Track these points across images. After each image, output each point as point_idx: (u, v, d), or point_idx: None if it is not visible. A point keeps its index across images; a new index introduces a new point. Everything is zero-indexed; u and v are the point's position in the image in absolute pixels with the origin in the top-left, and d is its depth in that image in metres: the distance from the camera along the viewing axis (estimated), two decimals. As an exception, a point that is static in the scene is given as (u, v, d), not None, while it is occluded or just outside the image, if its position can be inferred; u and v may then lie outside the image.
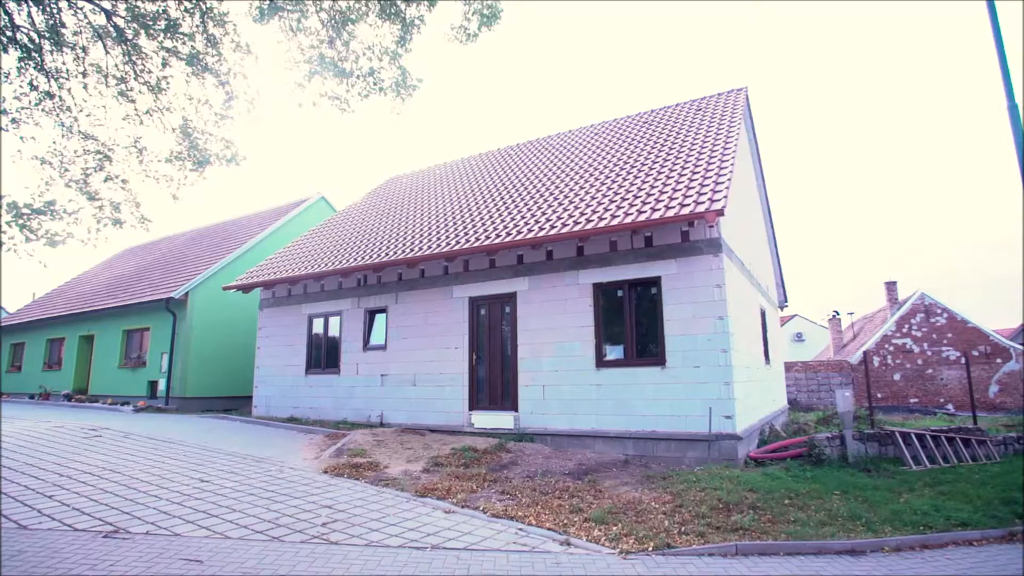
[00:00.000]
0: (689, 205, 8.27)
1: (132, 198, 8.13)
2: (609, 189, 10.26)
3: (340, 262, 12.20)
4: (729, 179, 8.78)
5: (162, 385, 16.19)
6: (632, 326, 9.12)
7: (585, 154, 13.15)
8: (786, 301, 18.36)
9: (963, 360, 22.86)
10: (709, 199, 8.21)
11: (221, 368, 16.46)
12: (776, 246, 16.91)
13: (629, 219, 8.60)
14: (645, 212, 8.63)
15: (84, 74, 7.71)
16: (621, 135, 13.59)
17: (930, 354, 23.18)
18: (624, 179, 10.51)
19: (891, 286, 25.35)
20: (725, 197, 8.13)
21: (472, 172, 15.86)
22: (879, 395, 23.49)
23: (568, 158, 13.37)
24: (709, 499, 5.65)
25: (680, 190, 8.96)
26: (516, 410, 9.85)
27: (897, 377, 23.32)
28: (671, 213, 8.25)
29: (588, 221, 9.11)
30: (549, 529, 5.10)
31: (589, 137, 14.55)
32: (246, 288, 13.92)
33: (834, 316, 31.05)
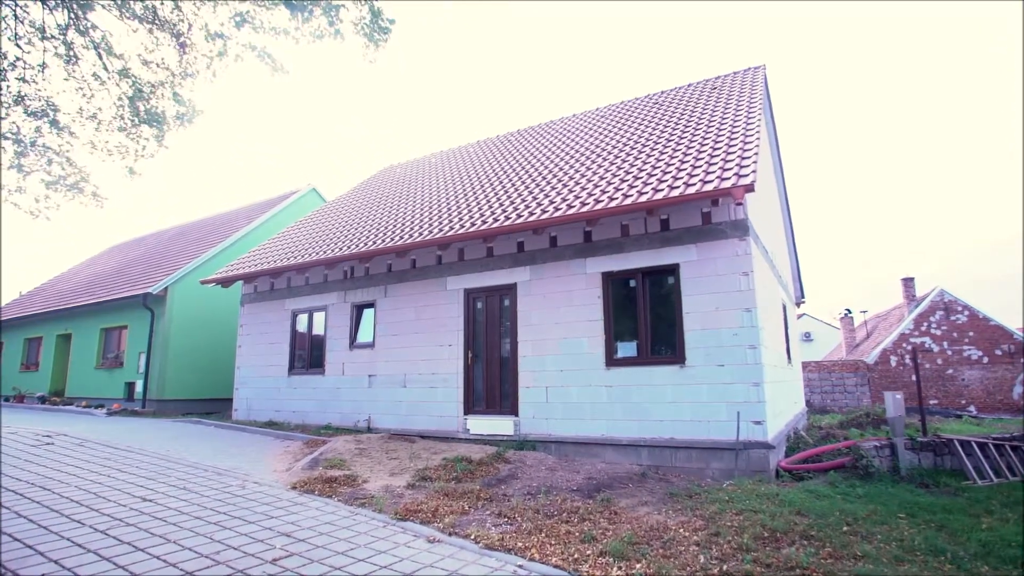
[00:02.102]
0: (713, 181, 7.25)
1: (78, 171, 7.14)
2: (619, 168, 9.25)
3: (326, 252, 11.20)
4: (756, 152, 7.77)
5: (139, 387, 15.19)
6: (646, 320, 8.11)
7: (591, 137, 12.15)
8: (803, 296, 17.33)
9: (985, 360, 21.82)
10: (735, 174, 7.20)
11: (202, 368, 15.46)
12: (793, 237, 15.89)
13: (644, 198, 7.58)
14: (662, 190, 7.61)
15: (18, 36, 6.72)
16: (630, 117, 12.58)
17: (950, 353, 22.12)
18: (636, 158, 9.50)
19: (908, 282, 24.29)
20: (754, 172, 7.12)
21: (469, 159, 14.87)
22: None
23: (573, 141, 12.37)
24: (751, 525, 4.63)
25: (701, 166, 7.94)
26: (516, 415, 8.83)
27: (915, 378, 22.22)
28: (692, 190, 7.23)
29: (597, 202, 8.10)
30: (556, 567, 4.08)
31: (595, 120, 13.55)
32: (225, 282, 12.91)
33: (846, 314, 30.01)
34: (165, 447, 8.64)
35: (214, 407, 15.18)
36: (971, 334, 21.96)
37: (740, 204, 7.12)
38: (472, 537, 4.67)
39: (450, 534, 4.78)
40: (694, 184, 7.39)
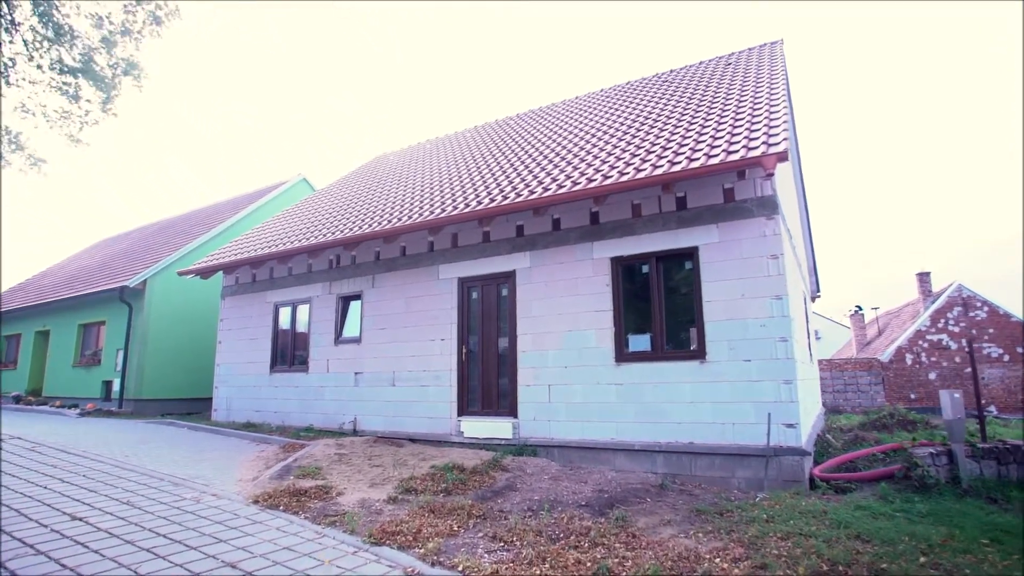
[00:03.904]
0: (738, 151, 6.37)
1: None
2: (629, 144, 8.37)
3: (310, 240, 10.31)
4: (785, 117, 6.90)
5: (116, 385, 14.33)
6: (661, 310, 7.23)
7: (597, 116, 11.27)
8: (818, 290, 16.44)
9: (1006, 358, 20.93)
10: (764, 142, 6.32)
11: (183, 366, 14.59)
12: (810, 228, 14.98)
13: (659, 171, 6.69)
14: (679, 163, 6.73)
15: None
16: (639, 95, 11.71)
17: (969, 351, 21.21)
18: (648, 132, 8.63)
19: (924, 277, 23.37)
20: (785, 139, 6.23)
21: (466, 144, 13.99)
22: (912, 395, 21.57)
23: (576, 121, 11.49)
24: (803, 555, 3.75)
25: (723, 136, 7.06)
26: (515, 416, 7.96)
27: (933, 376, 21.37)
28: (715, 161, 6.35)
29: (605, 178, 7.21)
30: (564, 612, 3.21)
31: (600, 101, 12.67)
32: (204, 273, 12.05)
33: (856, 311, 29.10)
34: (126, 452, 7.78)
35: (196, 407, 14.32)
36: (991, 331, 21.07)
37: (771, 175, 6.23)
38: (460, 568, 3.80)
39: (433, 564, 3.91)
40: (716, 155, 6.51)
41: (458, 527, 4.65)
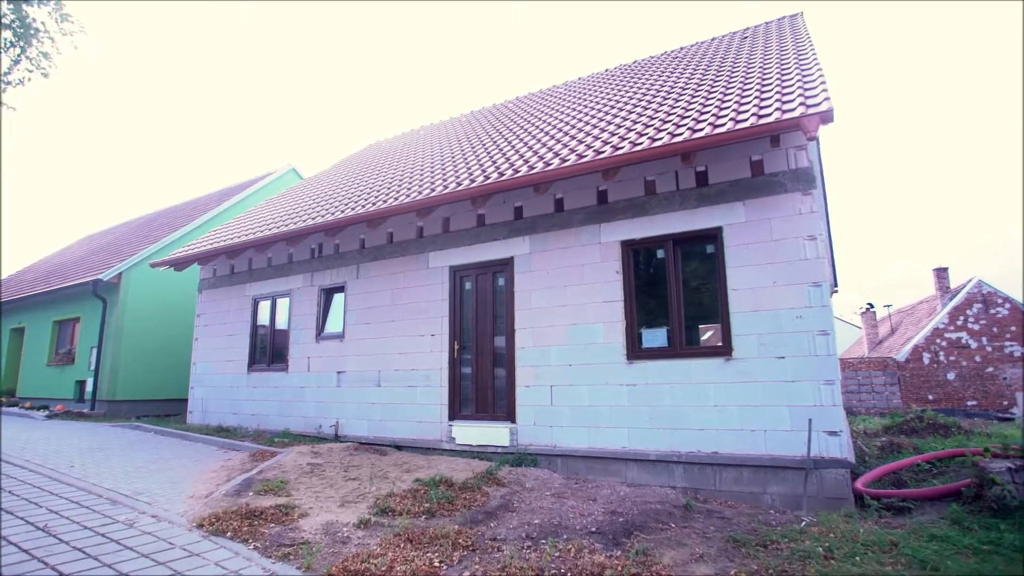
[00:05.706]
0: (771, 113, 5.47)
1: None
2: (642, 115, 7.47)
3: (290, 226, 9.41)
4: (822, 77, 6.01)
5: (90, 385, 13.44)
6: (679, 300, 6.34)
7: (604, 93, 10.37)
8: (836, 285, 15.50)
9: (1028, 356, 20.00)
10: (801, 103, 5.42)
11: (161, 365, 13.69)
12: (828, 218, 14.03)
13: (679, 139, 5.79)
14: (702, 129, 5.83)
15: None
16: (649, 72, 10.80)
17: (990, 350, 20.30)
18: (663, 102, 7.73)
19: (941, 273, 22.42)
20: (826, 98, 5.34)
21: (463, 126, 13.09)
22: (930, 396, 20.65)
23: (581, 99, 10.59)
24: (887, 610, 2.85)
25: (750, 99, 6.16)
26: (513, 420, 7.07)
27: (951, 376, 20.44)
28: (744, 125, 5.44)
29: (616, 149, 6.31)
30: None
31: (605, 80, 11.77)
32: (178, 264, 11.16)
33: (868, 309, 28.16)
34: (71, 461, 6.89)
35: (173, 408, 13.43)
36: (1013, 329, 20.14)
37: (812, 139, 5.32)
38: (436, 626, 2.90)
39: (402, 618, 3.01)
40: (745, 119, 5.61)
41: (440, 562, 3.75)
